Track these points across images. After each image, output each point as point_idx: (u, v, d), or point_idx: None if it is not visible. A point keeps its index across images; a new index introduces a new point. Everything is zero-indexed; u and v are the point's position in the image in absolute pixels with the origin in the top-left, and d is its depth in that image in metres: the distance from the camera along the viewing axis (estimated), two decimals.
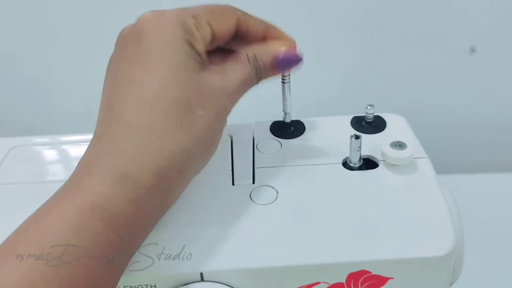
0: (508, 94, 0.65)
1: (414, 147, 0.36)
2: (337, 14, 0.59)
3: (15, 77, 0.65)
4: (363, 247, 0.32)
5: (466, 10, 0.59)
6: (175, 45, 0.29)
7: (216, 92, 0.30)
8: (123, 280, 0.31)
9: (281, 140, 0.39)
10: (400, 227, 0.32)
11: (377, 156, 0.37)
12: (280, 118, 0.40)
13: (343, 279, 0.32)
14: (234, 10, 0.32)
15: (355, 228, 0.33)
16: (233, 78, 0.31)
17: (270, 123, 0.41)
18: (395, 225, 0.33)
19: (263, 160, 0.38)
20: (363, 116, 0.40)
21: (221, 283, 0.31)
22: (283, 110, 0.39)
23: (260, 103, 0.49)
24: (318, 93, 0.64)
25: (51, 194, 0.28)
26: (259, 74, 0.32)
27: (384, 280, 0.32)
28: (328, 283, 0.32)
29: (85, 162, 0.29)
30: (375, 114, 0.40)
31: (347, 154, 0.37)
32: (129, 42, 0.30)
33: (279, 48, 0.33)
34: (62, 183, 0.29)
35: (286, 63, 0.33)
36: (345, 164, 0.37)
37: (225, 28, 0.32)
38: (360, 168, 0.36)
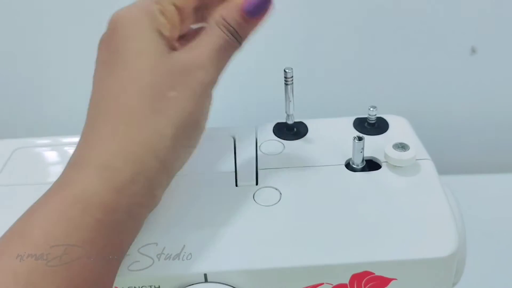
0: (509, 94, 0.66)
1: (416, 149, 0.36)
2: (339, 15, 0.59)
3: (16, 78, 0.65)
4: (366, 248, 0.32)
5: (467, 11, 0.59)
6: (142, 36, 0.30)
7: (187, 69, 0.30)
8: (126, 281, 0.31)
9: (284, 142, 0.40)
10: (403, 228, 0.33)
11: (379, 157, 0.37)
12: (283, 119, 0.40)
13: (346, 280, 0.32)
14: None
15: (358, 229, 0.33)
16: (204, 49, 0.31)
17: (273, 124, 0.41)
18: (398, 226, 0.33)
19: (266, 162, 0.38)
20: (366, 118, 0.40)
21: (225, 284, 0.32)
22: (286, 112, 0.39)
23: (263, 105, 0.49)
24: (321, 95, 0.64)
25: None
26: (234, 34, 0.31)
27: (387, 281, 0.32)
28: (332, 284, 0.32)
29: (73, 158, 0.30)
30: (377, 115, 0.40)
31: (350, 156, 0.37)
32: (103, 44, 0.31)
33: None
34: None
35: (255, 10, 0.31)
36: (348, 165, 0.37)
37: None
38: (363, 169, 0.37)
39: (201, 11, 0.33)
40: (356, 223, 0.33)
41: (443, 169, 0.39)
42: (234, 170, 0.37)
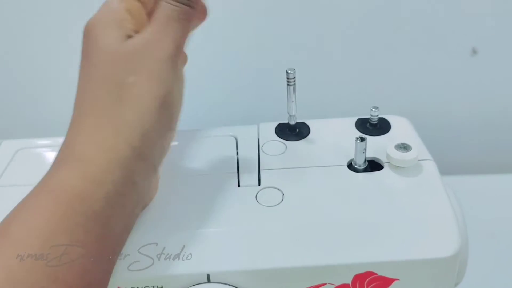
0: (510, 95, 0.66)
1: (418, 149, 0.36)
2: (340, 16, 0.59)
3: (17, 79, 0.65)
4: (369, 249, 0.32)
5: (468, 12, 0.59)
6: (106, 35, 0.31)
7: (140, 50, 0.30)
8: (128, 281, 0.31)
9: (286, 142, 0.40)
10: (405, 229, 0.33)
11: (382, 158, 0.37)
12: (285, 120, 0.40)
13: (349, 280, 0.32)
14: None
15: (360, 229, 0.33)
16: (154, 25, 0.31)
17: (275, 125, 0.41)
18: (400, 226, 0.33)
19: (268, 162, 0.38)
20: (368, 118, 0.40)
21: (227, 284, 0.32)
22: (288, 112, 0.39)
23: (265, 105, 0.50)
24: (323, 96, 0.64)
25: None
26: (181, 1, 0.31)
27: (389, 281, 0.32)
28: (334, 284, 0.32)
29: (58, 156, 0.31)
30: (379, 116, 0.40)
31: (352, 156, 0.37)
32: (82, 51, 0.32)
33: None
34: None
35: None
36: (350, 166, 0.37)
37: None
38: (365, 170, 0.37)
39: None
40: (359, 223, 0.33)
41: (445, 170, 0.39)
42: (236, 170, 0.37)
